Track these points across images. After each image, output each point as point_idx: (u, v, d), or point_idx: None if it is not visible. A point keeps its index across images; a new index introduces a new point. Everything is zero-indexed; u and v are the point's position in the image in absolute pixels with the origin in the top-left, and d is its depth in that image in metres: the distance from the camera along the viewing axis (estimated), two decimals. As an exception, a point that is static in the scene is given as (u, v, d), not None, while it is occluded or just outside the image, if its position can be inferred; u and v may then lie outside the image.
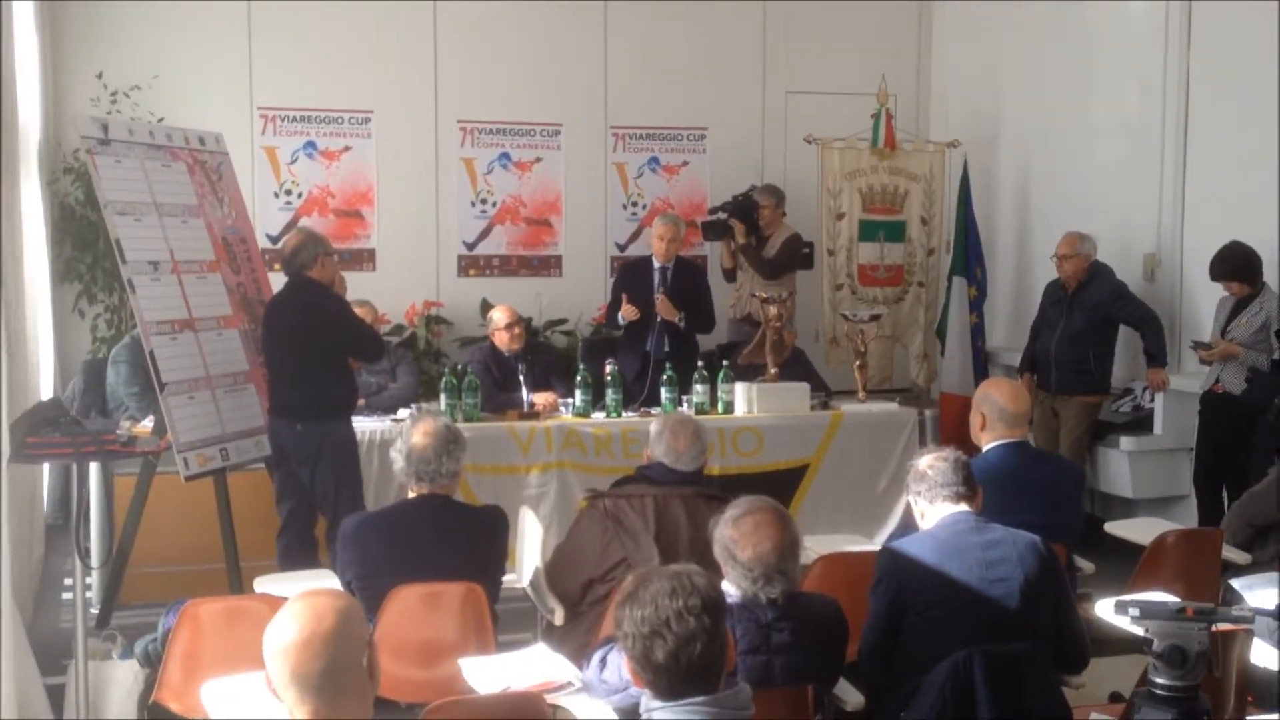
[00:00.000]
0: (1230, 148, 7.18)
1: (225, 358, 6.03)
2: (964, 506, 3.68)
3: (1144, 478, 7.31)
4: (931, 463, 3.73)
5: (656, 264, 7.46)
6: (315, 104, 8.66)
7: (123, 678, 4.77)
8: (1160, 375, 7.16)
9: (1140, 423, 7.45)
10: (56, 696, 4.63)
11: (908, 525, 4.26)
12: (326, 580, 4.38)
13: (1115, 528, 5.24)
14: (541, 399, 6.79)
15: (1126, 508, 7.32)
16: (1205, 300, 7.06)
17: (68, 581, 6.06)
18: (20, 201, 5.77)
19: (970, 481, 3.71)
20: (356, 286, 7.27)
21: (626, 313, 7.32)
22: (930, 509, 3.72)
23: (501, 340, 7.07)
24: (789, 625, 3.31)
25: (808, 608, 3.38)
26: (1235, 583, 4.31)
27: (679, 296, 7.36)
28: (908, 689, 3.50)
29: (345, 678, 2.34)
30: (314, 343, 5.73)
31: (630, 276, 7.59)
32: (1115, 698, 4.44)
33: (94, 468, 5.63)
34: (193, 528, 6.06)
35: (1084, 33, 8.32)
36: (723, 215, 8.16)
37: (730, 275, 8.35)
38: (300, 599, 2.41)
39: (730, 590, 3.29)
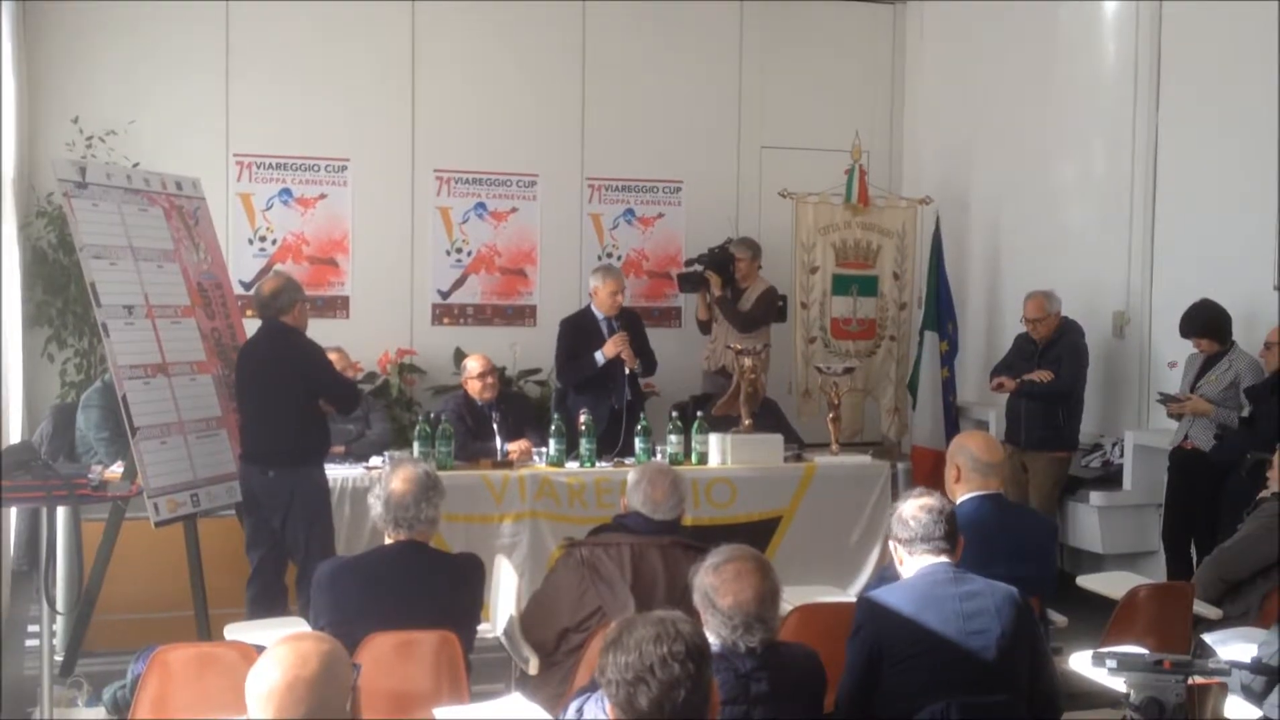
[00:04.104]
0: (1198, 206, 7.30)
1: (198, 403, 5.99)
2: (943, 559, 3.68)
3: (1113, 533, 7.36)
4: (915, 513, 3.70)
5: (600, 315, 7.38)
6: (291, 151, 8.68)
7: (87, 726, 4.71)
8: (1009, 385, 7.41)
9: (1109, 478, 7.51)
10: (20, 744, 4.56)
11: (885, 574, 4.27)
12: (298, 628, 4.34)
13: (1087, 581, 5.26)
14: (516, 447, 6.78)
15: (1095, 562, 7.36)
16: (1174, 357, 7.13)
17: (33, 628, 5.95)
18: (-5, 244, 5.76)
19: (952, 534, 3.69)
20: (330, 333, 7.26)
21: (608, 350, 7.23)
22: (909, 559, 3.71)
23: (474, 389, 7.05)
24: (768, 675, 3.28)
25: (787, 657, 3.36)
26: (1208, 637, 4.34)
27: (630, 344, 7.34)
28: (885, 741, 3.49)
29: None
30: (287, 388, 5.70)
31: (579, 332, 7.43)
32: (1088, 752, 4.44)
33: (61, 512, 5.57)
34: (161, 574, 5.99)
35: (1054, 92, 8.45)
36: (699, 268, 8.21)
37: (705, 327, 8.39)
38: (285, 643, 2.38)
39: (709, 639, 3.27)
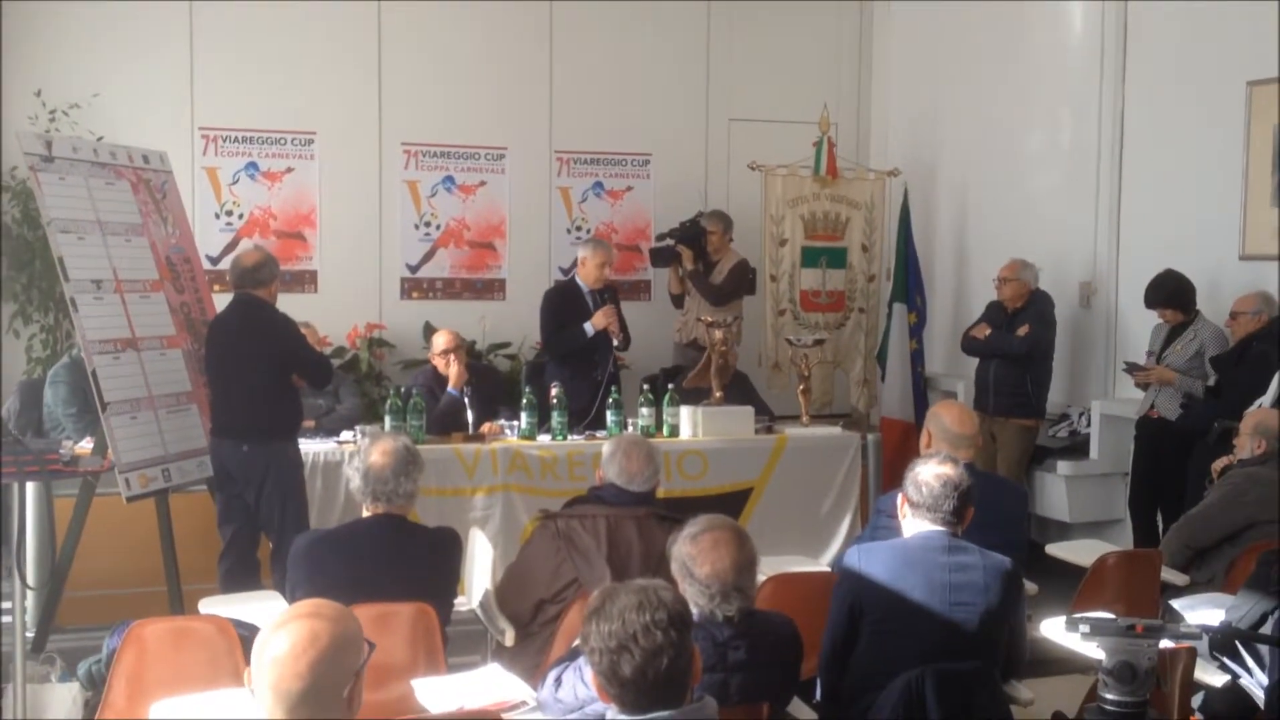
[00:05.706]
0: (1165, 177, 7.36)
1: (168, 378, 5.95)
2: (942, 528, 3.68)
3: (1080, 501, 7.44)
4: (929, 480, 3.68)
5: (586, 288, 7.39)
6: (258, 124, 8.60)
7: (61, 701, 4.69)
8: (983, 330, 7.51)
9: (1076, 447, 7.59)
10: (-7, 721, 4.53)
11: (860, 539, 4.31)
12: (273, 602, 4.34)
13: (1056, 549, 5.32)
14: (485, 428, 6.75)
15: (1062, 531, 7.44)
16: (1140, 327, 7.20)
17: (5, 605, 5.92)
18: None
19: (960, 509, 3.67)
20: (298, 308, 7.18)
21: (598, 321, 7.23)
22: (912, 519, 3.73)
23: (440, 365, 6.99)
24: (745, 643, 3.32)
25: (764, 626, 3.40)
26: (1176, 603, 4.41)
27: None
28: (862, 707, 3.53)
29: (321, 704, 2.31)
30: (260, 362, 5.67)
31: (564, 304, 7.42)
32: (1059, 717, 4.49)
33: (31, 488, 5.53)
34: (132, 550, 5.97)
35: (1021, 63, 8.49)
36: (670, 242, 8.21)
37: (678, 301, 8.40)
38: (304, 612, 2.37)
39: (687, 608, 3.30)
